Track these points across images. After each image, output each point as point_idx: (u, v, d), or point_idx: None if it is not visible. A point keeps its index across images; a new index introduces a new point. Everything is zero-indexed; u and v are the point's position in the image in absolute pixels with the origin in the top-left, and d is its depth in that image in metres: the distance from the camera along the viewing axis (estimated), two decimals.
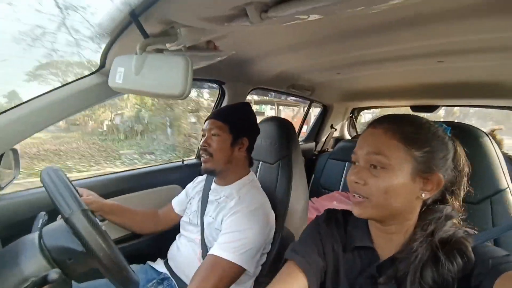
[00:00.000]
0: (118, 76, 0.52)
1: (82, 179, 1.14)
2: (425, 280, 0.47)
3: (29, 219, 0.75)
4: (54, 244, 0.60)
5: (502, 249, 0.51)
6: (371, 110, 2.96)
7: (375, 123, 0.54)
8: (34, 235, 0.64)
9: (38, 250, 0.60)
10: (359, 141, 0.56)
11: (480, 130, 0.70)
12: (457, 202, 0.53)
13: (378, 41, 0.92)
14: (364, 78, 1.60)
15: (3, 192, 0.90)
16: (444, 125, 0.55)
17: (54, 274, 0.55)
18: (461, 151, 0.54)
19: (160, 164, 1.41)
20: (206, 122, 0.99)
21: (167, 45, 0.55)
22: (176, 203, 1.12)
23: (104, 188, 1.11)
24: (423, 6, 0.61)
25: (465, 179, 0.54)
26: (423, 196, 0.51)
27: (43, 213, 0.75)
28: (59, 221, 0.65)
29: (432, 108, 2.12)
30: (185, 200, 1.11)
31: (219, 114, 1.00)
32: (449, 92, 1.68)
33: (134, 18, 0.46)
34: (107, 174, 1.19)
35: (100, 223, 0.78)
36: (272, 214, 0.95)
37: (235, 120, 0.97)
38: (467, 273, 0.47)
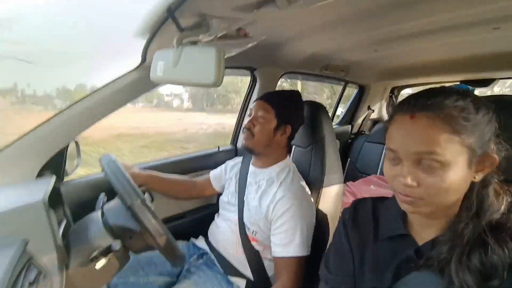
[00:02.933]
0: (158, 69, 0.57)
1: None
2: (473, 264, 0.43)
3: (92, 200, 0.87)
4: (117, 223, 0.71)
5: None
6: None
7: (410, 110, 0.46)
8: (98, 213, 0.75)
9: (102, 225, 0.71)
10: (395, 134, 0.47)
11: None
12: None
13: (419, 11, 0.82)
14: (405, 53, 1.47)
15: (70, 177, 1.05)
16: (470, 88, 0.48)
17: (116, 245, 0.64)
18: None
19: (197, 152, 1.49)
20: (255, 102, 1.03)
21: (201, 36, 0.58)
22: (213, 176, 1.20)
23: None
24: None
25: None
26: (476, 178, 0.46)
27: (103, 194, 0.87)
28: (117, 201, 0.75)
29: (487, 82, 1.87)
30: (222, 175, 1.17)
31: (269, 98, 1.02)
32: (507, 62, 1.47)
33: (170, 13, 0.49)
34: (146, 162, 1.30)
35: (150, 203, 0.88)
36: (311, 198, 0.99)
37: (283, 107, 0.99)
38: None
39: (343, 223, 0.65)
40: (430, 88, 0.48)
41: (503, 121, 0.50)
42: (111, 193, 0.76)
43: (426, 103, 0.45)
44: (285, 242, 0.88)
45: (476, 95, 0.47)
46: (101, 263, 0.66)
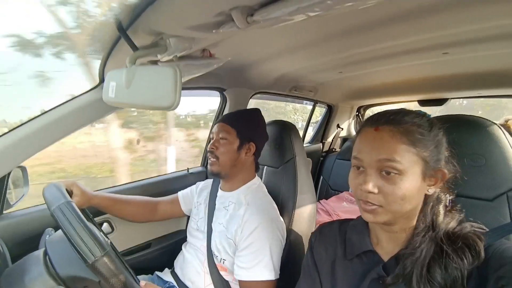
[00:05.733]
0: (110, 90, 0.52)
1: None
2: (433, 277, 0.45)
3: (38, 235, 0.76)
4: (68, 274, 0.60)
5: None
6: None
7: (375, 124, 0.52)
8: (40, 252, 0.65)
9: (43, 267, 0.60)
10: (361, 145, 0.52)
11: (491, 121, 0.67)
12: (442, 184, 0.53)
13: (378, 37, 0.89)
14: (367, 75, 1.56)
15: (13, 209, 0.92)
16: (426, 113, 0.54)
17: None
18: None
19: (165, 174, 1.41)
20: (215, 125, 1.01)
21: (159, 56, 0.55)
22: (182, 196, 1.13)
23: None
24: None
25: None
26: (429, 191, 0.51)
27: (50, 229, 0.77)
28: (61, 236, 0.64)
29: (441, 102, 2.05)
30: (191, 197, 1.11)
31: (228, 119, 1.02)
32: (457, 84, 1.62)
33: (121, 31, 0.46)
34: (112, 187, 1.20)
35: (106, 237, 0.78)
36: (281, 218, 0.96)
37: (243, 125, 0.99)
38: (480, 271, 0.45)
39: (310, 248, 0.67)
40: (392, 109, 0.54)
41: (455, 138, 0.55)
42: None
43: (389, 118, 0.51)
44: (251, 265, 0.82)
45: (430, 117, 0.53)
46: None
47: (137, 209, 1.05)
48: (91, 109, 0.82)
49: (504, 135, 0.64)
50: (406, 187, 0.47)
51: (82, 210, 0.87)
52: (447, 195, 0.53)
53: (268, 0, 0.38)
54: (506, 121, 1.71)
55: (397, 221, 0.52)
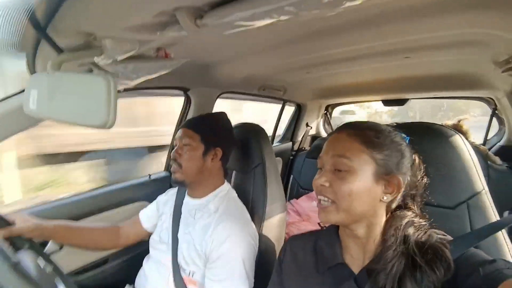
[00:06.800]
0: (32, 99, 0.42)
1: (35, 206, 1.00)
2: None
3: None
4: None
5: (484, 253, 0.49)
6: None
7: (338, 129, 0.57)
8: None
9: None
10: (324, 146, 0.57)
11: (451, 129, 0.68)
12: (417, 208, 0.56)
13: (344, 40, 0.90)
14: (334, 76, 1.58)
15: None
16: (403, 134, 0.57)
17: None
18: (419, 161, 0.57)
19: (123, 182, 1.30)
20: (179, 131, 0.93)
21: (96, 59, 0.46)
22: (145, 217, 1.02)
23: (65, 213, 0.99)
24: (386, 5, 0.60)
25: (423, 186, 0.57)
26: (384, 198, 0.52)
27: None
28: None
29: (402, 102, 2.16)
30: (155, 214, 1.01)
31: (191, 123, 0.95)
32: (416, 85, 1.72)
33: (38, 29, 0.36)
34: (65, 198, 1.06)
35: (48, 259, 0.68)
36: (253, 225, 0.92)
37: (207, 130, 0.92)
38: (451, 282, 0.45)
39: (279, 264, 0.66)
40: (358, 121, 0.59)
41: (420, 146, 0.57)
42: None
43: (352, 124, 0.57)
44: (224, 277, 0.77)
45: (390, 128, 0.56)
46: None
47: (98, 239, 0.94)
48: (13, 119, 0.67)
49: (465, 144, 0.65)
50: (354, 185, 0.50)
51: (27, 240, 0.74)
52: (421, 221, 0.53)
53: (217, 2, 0.32)
54: (459, 121, 1.83)
55: (354, 224, 0.53)
